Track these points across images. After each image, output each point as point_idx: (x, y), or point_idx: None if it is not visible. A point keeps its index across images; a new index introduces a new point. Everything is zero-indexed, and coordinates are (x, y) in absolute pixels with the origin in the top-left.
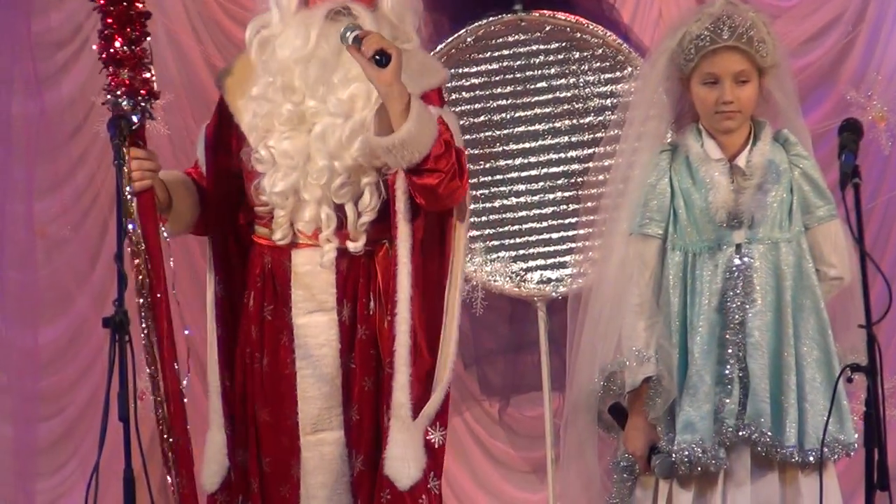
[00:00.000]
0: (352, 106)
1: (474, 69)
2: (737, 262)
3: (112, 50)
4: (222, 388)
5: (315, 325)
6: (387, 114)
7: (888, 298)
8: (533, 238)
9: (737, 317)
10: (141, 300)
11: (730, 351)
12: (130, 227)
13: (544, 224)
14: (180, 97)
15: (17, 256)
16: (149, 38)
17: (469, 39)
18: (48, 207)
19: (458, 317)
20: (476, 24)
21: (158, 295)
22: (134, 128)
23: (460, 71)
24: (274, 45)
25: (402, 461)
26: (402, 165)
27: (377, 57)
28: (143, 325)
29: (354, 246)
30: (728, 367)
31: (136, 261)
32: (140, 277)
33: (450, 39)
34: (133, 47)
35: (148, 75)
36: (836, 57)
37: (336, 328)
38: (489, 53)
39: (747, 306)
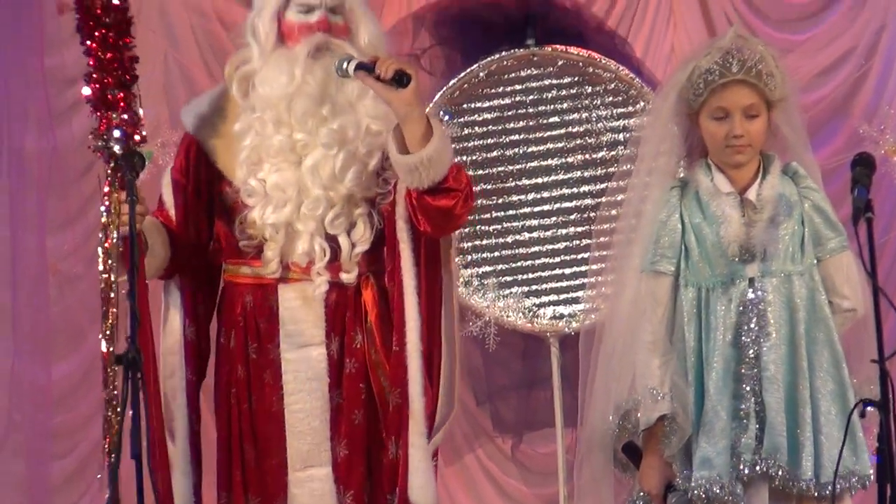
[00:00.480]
0: (343, 136)
1: (487, 104)
2: (750, 296)
3: (102, 94)
4: (190, 432)
5: (305, 360)
6: (401, 135)
7: None
8: (546, 273)
9: (752, 351)
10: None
11: (745, 386)
12: (112, 275)
13: (557, 259)
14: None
15: (29, 293)
16: (138, 82)
17: (481, 74)
18: (60, 244)
19: (457, 344)
20: (488, 59)
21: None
22: (121, 173)
23: (473, 106)
24: (254, 81)
25: (426, 489)
26: (423, 184)
27: (397, 77)
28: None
29: (347, 277)
30: (744, 401)
31: (113, 310)
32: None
33: (462, 74)
34: (124, 91)
35: (138, 119)
36: (849, 90)
37: (325, 362)
38: (502, 88)
39: (762, 340)
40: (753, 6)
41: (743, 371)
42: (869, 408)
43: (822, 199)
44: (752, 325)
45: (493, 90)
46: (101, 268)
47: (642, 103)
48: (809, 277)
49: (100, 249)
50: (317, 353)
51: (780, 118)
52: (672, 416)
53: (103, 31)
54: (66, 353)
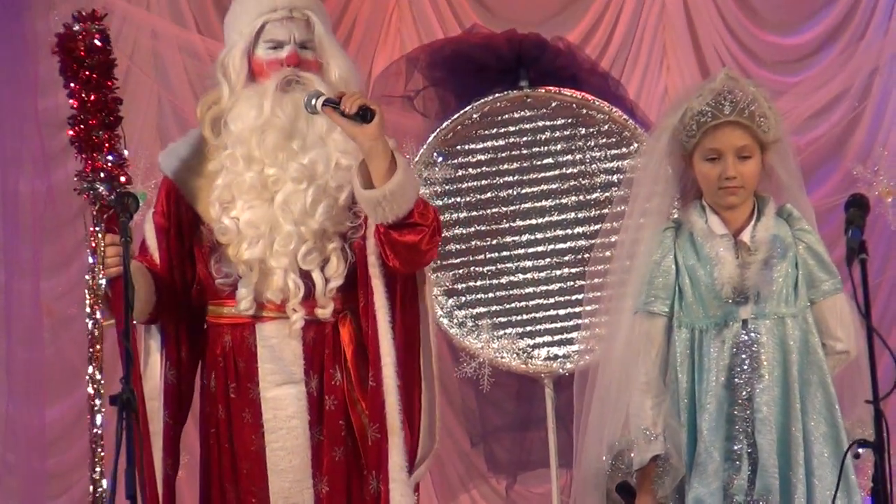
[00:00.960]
0: (313, 171)
1: (480, 145)
2: (743, 337)
3: (87, 135)
4: (164, 476)
5: (284, 398)
6: (367, 169)
7: (895, 373)
8: (540, 314)
9: (744, 392)
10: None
11: (738, 427)
12: (98, 315)
13: (551, 300)
14: None
15: (23, 335)
16: (122, 123)
17: (475, 116)
18: (54, 285)
19: (436, 379)
20: (482, 100)
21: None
22: (108, 215)
23: (466, 147)
24: (226, 120)
25: None
26: (388, 219)
27: (361, 112)
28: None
29: (323, 313)
30: (737, 443)
31: (98, 346)
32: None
33: (456, 116)
34: (108, 132)
35: (122, 160)
36: (843, 132)
37: (305, 400)
38: (495, 130)
39: (755, 382)
40: (747, 48)
41: (736, 412)
42: (861, 449)
43: (816, 241)
44: (745, 367)
45: (486, 132)
46: (87, 310)
47: (636, 145)
48: (803, 320)
49: (86, 291)
50: (296, 391)
51: (775, 160)
52: (665, 456)
53: (86, 73)
54: (59, 395)
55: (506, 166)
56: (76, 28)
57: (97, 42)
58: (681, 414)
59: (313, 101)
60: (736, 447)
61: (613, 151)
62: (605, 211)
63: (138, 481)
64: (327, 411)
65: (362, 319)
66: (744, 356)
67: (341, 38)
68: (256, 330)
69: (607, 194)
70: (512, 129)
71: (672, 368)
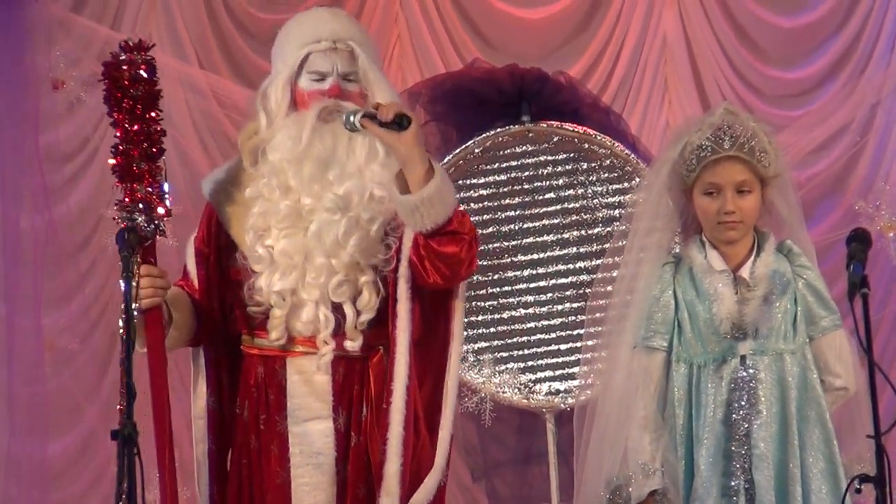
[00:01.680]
0: (348, 202)
1: (482, 180)
2: (742, 373)
3: (128, 165)
4: (210, 502)
5: (312, 433)
6: (404, 180)
7: None
8: (541, 349)
9: (742, 428)
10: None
11: (735, 463)
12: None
13: (553, 335)
14: (187, 209)
15: (25, 369)
16: (164, 155)
17: (477, 150)
18: (56, 320)
19: (454, 404)
20: (484, 135)
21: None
22: (146, 244)
23: (468, 182)
24: (265, 149)
25: None
26: (426, 226)
27: (397, 120)
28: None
29: (352, 345)
30: (734, 479)
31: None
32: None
33: (458, 150)
34: (150, 163)
35: (163, 192)
36: (844, 167)
37: (332, 436)
38: (497, 164)
39: (752, 418)
40: (748, 82)
41: (733, 448)
42: (862, 484)
43: (815, 277)
44: (743, 403)
45: (488, 166)
46: (122, 337)
47: (638, 179)
48: (801, 356)
49: (121, 321)
50: (323, 427)
51: (775, 195)
52: (663, 491)
53: (131, 102)
54: (61, 430)
55: (507, 201)
56: (122, 57)
57: (143, 72)
58: (678, 449)
59: (352, 118)
60: (733, 483)
61: (615, 186)
62: (607, 246)
63: None
64: (353, 448)
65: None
66: (742, 392)
67: None
68: (287, 363)
69: (609, 229)
70: (514, 163)
71: (670, 403)
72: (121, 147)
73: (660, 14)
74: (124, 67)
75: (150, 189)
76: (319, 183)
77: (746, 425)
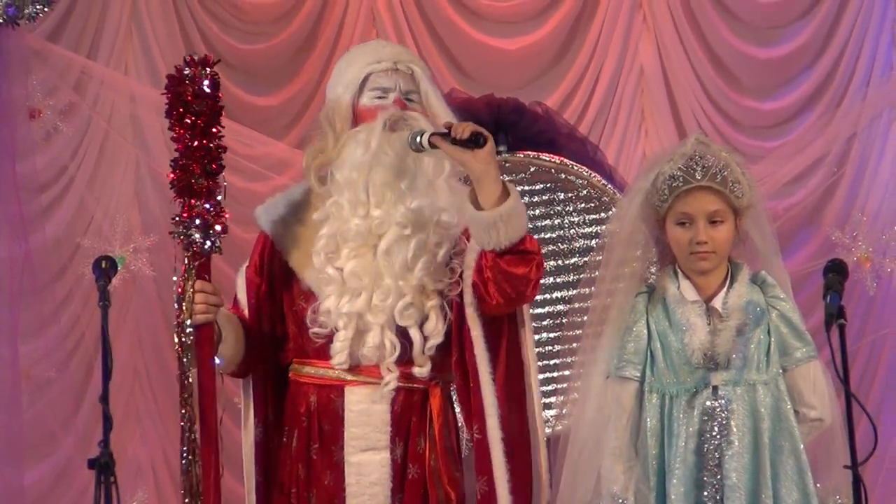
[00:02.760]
0: (419, 217)
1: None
2: (713, 404)
3: (187, 181)
4: None
5: (368, 464)
6: (475, 198)
7: (873, 439)
8: None
9: (714, 458)
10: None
11: (707, 493)
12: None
13: None
14: (164, 239)
15: (2, 398)
16: (224, 173)
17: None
18: (33, 349)
19: (543, 435)
20: None
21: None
22: (201, 261)
23: None
24: (331, 170)
25: None
26: (501, 244)
27: (473, 138)
28: (186, 463)
29: (420, 371)
30: None
31: (185, 395)
32: (187, 413)
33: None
34: (209, 180)
35: (221, 209)
36: (821, 197)
37: (388, 467)
38: None
39: (724, 448)
40: (724, 113)
41: (705, 478)
42: None
43: (789, 309)
44: (715, 433)
45: None
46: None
47: (614, 209)
48: (775, 387)
49: (174, 337)
50: (380, 458)
51: (749, 225)
52: None
53: (192, 118)
54: (38, 458)
55: None
56: (186, 72)
57: (206, 88)
58: (651, 479)
59: (418, 139)
60: None
61: (592, 216)
62: (584, 276)
63: None
64: (409, 480)
65: (454, 374)
66: (713, 422)
67: (321, 102)
68: (346, 392)
69: (586, 259)
70: None
71: (643, 433)
72: (181, 162)
73: (636, 45)
74: (187, 82)
75: (207, 206)
76: (392, 192)
77: (718, 455)
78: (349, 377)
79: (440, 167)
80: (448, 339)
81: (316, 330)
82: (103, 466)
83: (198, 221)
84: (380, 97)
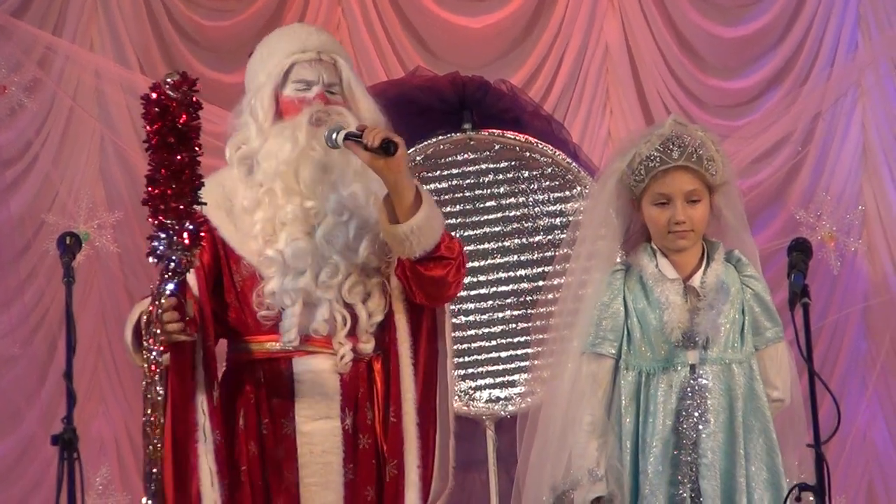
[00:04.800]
0: (354, 203)
1: (424, 188)
2: (691, 382)
3: (166, 200)
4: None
5: (319, 433)
6: (391, 205)
7: (837, 418)
8: (482, 357)
9: (690, 437)
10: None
11: (682, 471)
12: (160, 388)
13: (493, 343)
14: (129, 215)
15: None
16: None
17: (418, 158)
18: None
19: (450, 418)
20: (425, 143)
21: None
22: (180, 279)
23: None
24: (257, 158)
25: None
26: (415, 254)
27: (384, 145)
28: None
29: (365, 347)
30: (681, 487)
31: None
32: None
33: None
34: (190, 198)
35: (199, 229)
36: (786, 176)
37: (340, 436)
38: (438, 172)
39: (701, 427)
40: (689, 92)
41: (681, 457)
42: (801, 493)
43: (763, 289)
44: (693, 412)
45: (429, 174)
46: (144, 367)
47: (579, 188)
48: (748, 366)
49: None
50: (331, 427)
51: (722, 202)
52: (609, 498)
53: (173, 137)
54: (1, 434)
55: (448, 209)
56: (168, 91)
57: (189, 110)
58: (625, 456)
59: (334, 136)
60: (680, 491)
61: (556, 194)
62: (548, 254)
63: None
64: (361, 450)
65: (384, 355)
66: (691, 401)
67: None
68: (294, 364)
69: (550, 237)
70: (455, 171)
71: (617, 410)
72: (162, 181)
73: (602, 23)
74: (165, 100)
75: (191, 226)
76: (322, 185)
77: (695, 434)
78: (300, 348)
79: None
80: (387, 318)
81: (264, 313)
82: (67, 442)
83: (179, 242)
84: (303, 89)
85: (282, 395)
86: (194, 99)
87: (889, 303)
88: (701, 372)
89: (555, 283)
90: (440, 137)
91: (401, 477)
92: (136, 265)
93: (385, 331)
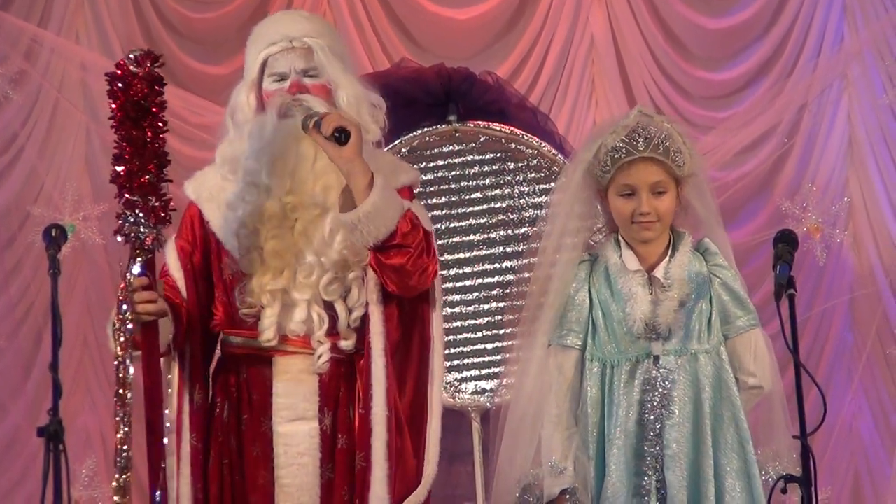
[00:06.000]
0: (326, 197)
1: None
2: (654, 373)
3: (134, 177)
4: (194, 501)
5: (296, 434)
6: (351, 193)
7: (822, 409)
8: (467, 349)
9: (654, 429)
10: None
11: (647, 462)
12: (130, 367)
13: (479, 335)
14: (115, 207)
15: None
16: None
17: (404, 150)
18: None
19: (439, 411)
20: (410, 134)
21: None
22: (149, 257)
23: None
24: (239, 161)
25: None
26: (368, 242)
27: (336, 134)
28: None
29: (346, 344)
30: (645, 478)
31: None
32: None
33: (384, 150)
34: (158, 175)
35: (168, 205)
36: (771, 168)
37: (318, 437)
38: (424, 164)
39: (665, 418)
40: (675, 83)
41: (645, 448)
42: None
43: (731, 277)
44: (656, 403)
45: (415, 166)
46: (115, 348)
47: (561, 179)
48: (716, 355)
49: (110, 330)
50: (309, 428)
51: (691, 194)
52: (573, 490)
53: (142, 118)
54: None
55: (434, 200)
56: (132, 68)
57: (152, 85)
58: (591, 448)
59: (307, 122)
60: (644, 482)
61: (542, 186)
62: (534, 245)
63: None
64: (339, 449)
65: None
66: (654, 392)
67: None
68: (274, 363)
69: (535, 229)
70: (441, 163)
71: (583, 402)
72: (127, 157)
73: (587, 15)
74: (135, 82)
75: (157, 202)
76: (293, 179)
77: (659, 425)
78: (280, 347)
79: None
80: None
81: (245, 310)
82: (52, 434)
83: (146, 219)
84: (278, 80)
85: (262, 393)
86: (158, 75)
87: (875, 294)
88: (664, 363)
89: (525, 276)
90: (425, 129)
91: (368, 469)
92: (122, 257)
93: (363, 324)
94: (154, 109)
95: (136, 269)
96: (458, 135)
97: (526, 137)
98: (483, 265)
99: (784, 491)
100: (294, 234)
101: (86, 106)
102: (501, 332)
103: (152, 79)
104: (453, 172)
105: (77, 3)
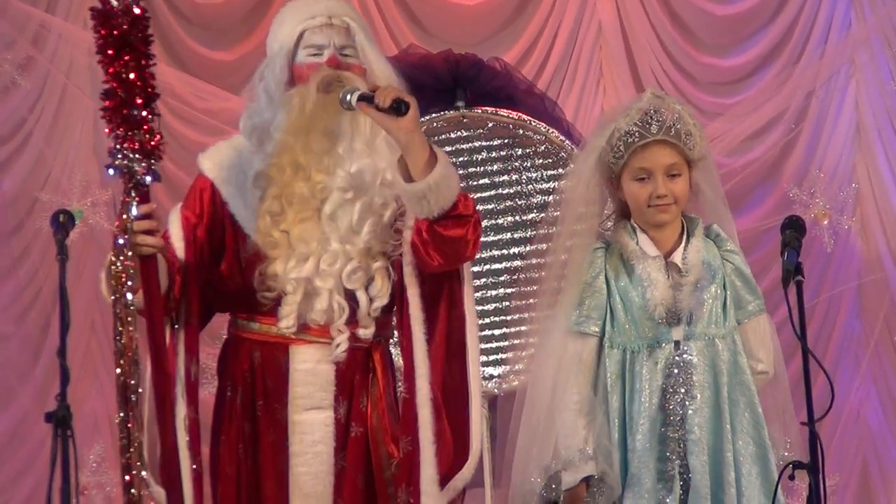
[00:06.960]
0: (360, 181)
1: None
2: (676, 358)
3: (124, 111)
4: (194, 475)
5: (312, 423)
6: (405, 165)
7: (830, 396)
8: None
9: (677, 414)
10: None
11: (670, 447)
12: (129, 296)
13: (486, 321)
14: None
15: None
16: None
17: None
18: None
19: (479, 387)
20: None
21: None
22: (143, 192)
23: None
24: (269, 130)
25: None
26: (433, 213)
27: (395, 105)
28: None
29: (365, 333)
30: (669, 463)
31: (131, 334)
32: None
33: None
34: (148, 109)
35: (158, 136)
36: (779, 154)
37: (332, 426)
38: None
39: (687, 403)
40: (683, 69)
41: (668, 433)
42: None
43: (742, 262)
44: (679, 388)
45: None
46: (110, 292)
47: (572, 166)
48: (731, 340)
49: (104, 274)
50: (324, 417)
51: (700, 177)
52: (600, 476)
53: (128, 51)
54: None
55: None
56: (113, 2)
57: (137, 19)
58: (612, 434)
59: (348, 97)
60: (668, 468)
61: (550, 172)
62: (542, 231)
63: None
64: (352, 438)
65: (399, 334)
66: (677, 378)
67: None
68: (290, 352)
69: (543, 215)
70: (448, 149)
71: (602, 388)
72: (117, 92)
73: (595, 1)
74: (119, 14)
75: (147, 135)
76: (330, 157)
77: (682, 411)
78: (297, 336)
79: (377, 126)
80: (391, 299)
81: (264, 293)
82: (60, 420)
83: (138, 153)
84: (314, 55)
85: (277, 380)
86: (141, 10)
87: (882, 280)
88: (685, 348)
89: (540, 261)
90: (433, 115)
91: (415, 453)
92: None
93: (397, 309)
94: (136, 43)
95: (133, 213)
96: (465, 121)
97: (534, 123)
98: (491, 251)
99: (792, 478)
100: (321, 219)
101: (93, 91)
102: (509, 318)
103: (134, 14)
104: (461, 158)
105: None
